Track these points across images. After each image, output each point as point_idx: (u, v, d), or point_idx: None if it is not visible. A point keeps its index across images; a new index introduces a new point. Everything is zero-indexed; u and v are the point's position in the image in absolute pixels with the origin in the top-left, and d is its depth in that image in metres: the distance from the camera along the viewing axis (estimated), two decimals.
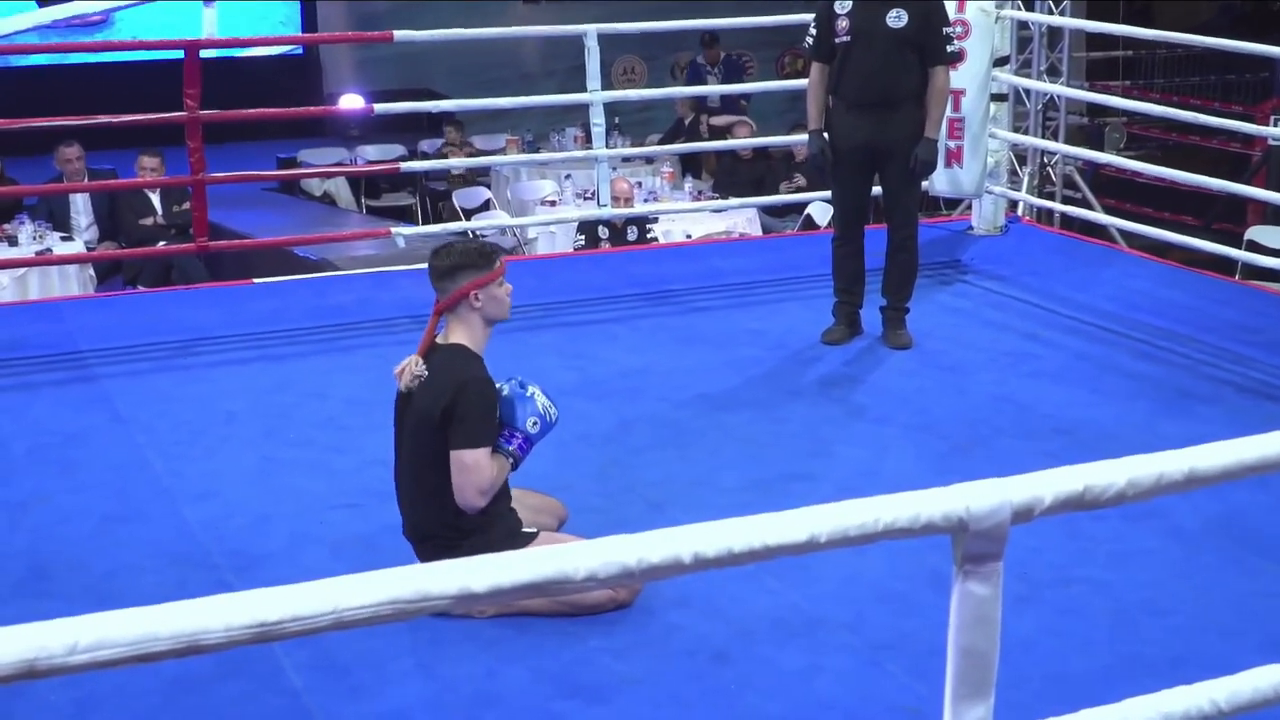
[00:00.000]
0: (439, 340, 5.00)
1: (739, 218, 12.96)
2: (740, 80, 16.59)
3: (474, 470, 4.74)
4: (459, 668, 4.48)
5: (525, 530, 4.89)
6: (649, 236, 11.62)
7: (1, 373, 7.43)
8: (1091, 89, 14.73)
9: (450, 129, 16.04)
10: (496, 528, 4.82)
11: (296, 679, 4.40)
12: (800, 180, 13.61)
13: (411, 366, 4.93)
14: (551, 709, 4.25)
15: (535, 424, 4.96)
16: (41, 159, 12.02)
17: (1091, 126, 15.70)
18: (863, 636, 4.67)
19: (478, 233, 12.78)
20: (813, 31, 7.78)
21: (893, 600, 4.90)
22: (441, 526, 4.83)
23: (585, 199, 13.12)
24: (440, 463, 4.78)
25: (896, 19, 7.54)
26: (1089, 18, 12.95)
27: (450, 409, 4.75)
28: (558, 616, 4.72)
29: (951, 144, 9.73)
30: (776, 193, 13.00)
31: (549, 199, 13.81)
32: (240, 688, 4.34)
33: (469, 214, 14.21)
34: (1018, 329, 8.14)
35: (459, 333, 4.96)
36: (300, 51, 20.16)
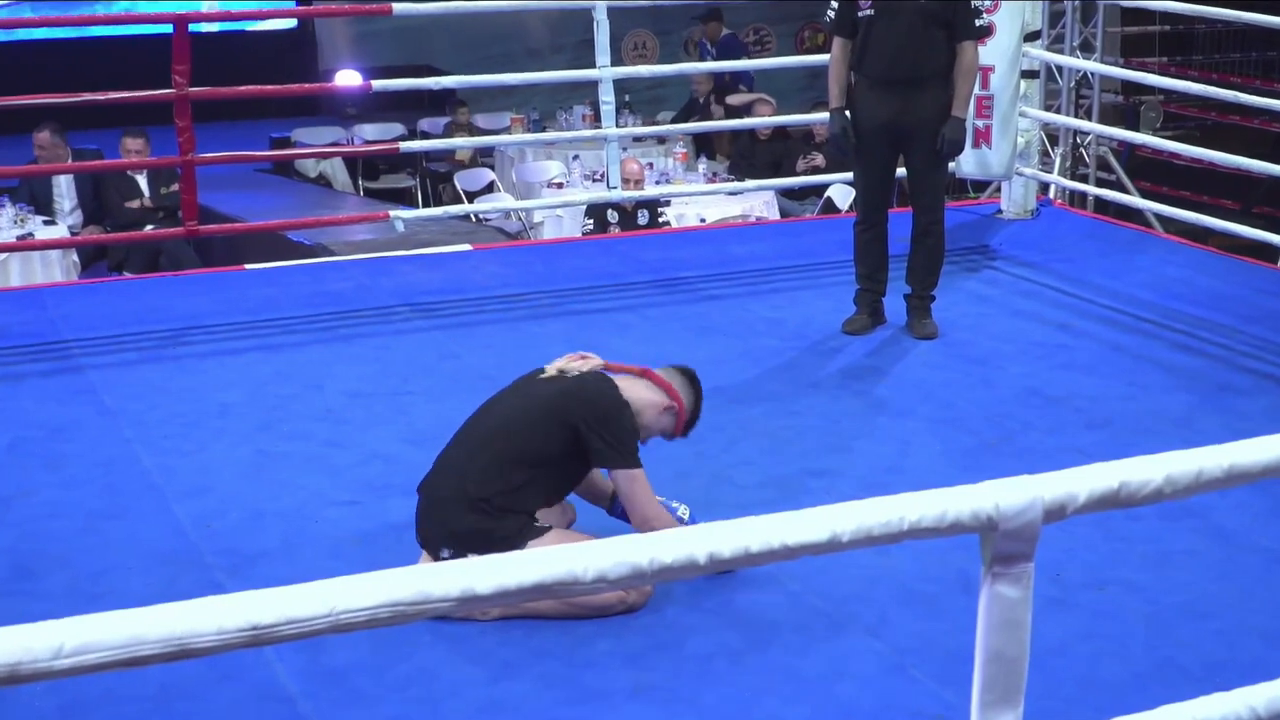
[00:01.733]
0: (616, 369, 5.25)
1: (756, 201, 12.96)
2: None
3: (637, 486, 4.92)
4: (462, 673, 4.48)
5: (538, 525, 4.90)
6: (661, 220, 11.63)
7: None
8: (1127, 65, 14.70)
9: (460, 109, 16.05)
10: (507, 519, 4.83)
11: (292, 685, 4.40)
12: (818, 159, 13.59)
13: (594, 362, 5.22)
14: (560, 716, 4.25)
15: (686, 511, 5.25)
16: (22, 139, 12.01)
17: (1127, 105, 15.70)
18: (887, 640, 4.67)
19: (481, 216, 12.80)
20: (834, 5, 7.76)
21: (918, 602, 4.90)
22: (463, 496, 4.86)
23: (594, 181, 13.11)
24: (534, 451, 4.92)
25: None
26: None
27: (592, 420, 4.91)
28: (565, 619, 4.72)
29: (980, 123, 9.73)
30: (795, 174, 12.99)
31: (556, 181, 13.81)
32: (233, 693, 4.34)
33: (471, 196, 14.23)
34: (1049, 318, 8.13)
35: (636, 393, 5.13)
36: (294, 25, 20.16)
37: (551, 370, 5.16)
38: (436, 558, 4.86)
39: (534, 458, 4.90)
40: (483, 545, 4.67)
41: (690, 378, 5.29)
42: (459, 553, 4.73)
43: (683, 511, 5.18)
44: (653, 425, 5.15)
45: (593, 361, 5.20)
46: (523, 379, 5.23)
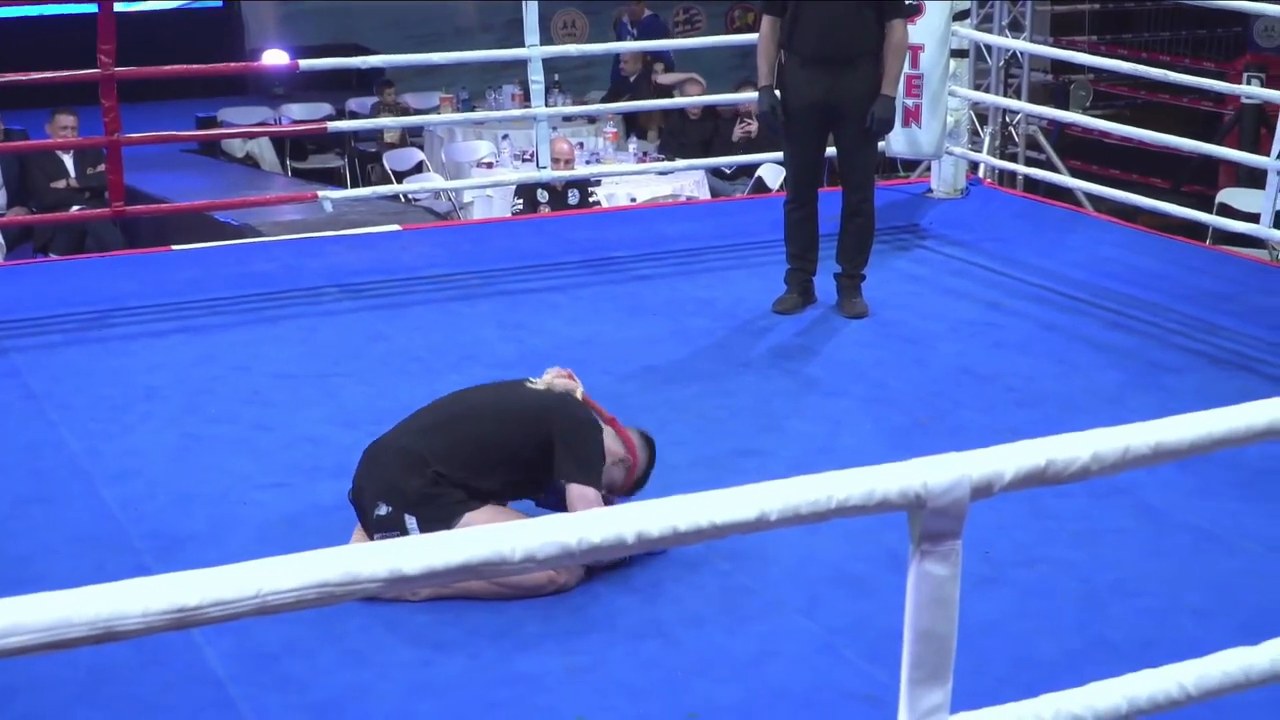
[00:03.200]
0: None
1: (686, 180, 12.98)
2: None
3: (593, 504, 4.87)
4: (393, 655, 4.48)
5: (474, 502, 4.91)
6: (591, 200, 11.62)
7: None
8: (1056, 44, 14.79)
9: (387, 90, 16.00)
10: (457, 494, 4.85)
11: (220, 668, 4.39)
12: (751, 125, 13.57)
13: (578, 386, 5.24)
14: (492, 698, 4.26)
15: None
16: None
17: (1056, 84, 15.78)
18: (817, 620, 4.69)
19: (410, 197, 12.77)
20: None
21: (849, 582, 4.92)
22: (410, 457, 4.88)
23: (523, 161, 13.12)
24: (498, 440, 4.97)
25: None
26: None
27: (569, 433, 4.99)
28: (495, 599, 4.72)
29: (909, 102, 9.75)
30: (725, 154, 12.99)
31: (485, 161, 13.80)
32: (161, 677, 4.33)
33: (400, 177, 14.19)
34: (979, 297, 8.17)
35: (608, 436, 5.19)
36: (220, 4, 20.05)
37: (541, 384, 5.19)
38: (370, 515, 4.85)
39: (502, 451, 4.95)
40: (420, 508, 4.76)
41: (649, 442, 5.36)
42: (395, 510, 4.79)
43: None
44: (604, 473, 5.16)
45: (577, 384, 5.24)
46: (509, 381, 5.31)
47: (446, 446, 4.90)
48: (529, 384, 5.20)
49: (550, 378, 5.22)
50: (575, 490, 4.92)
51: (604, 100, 16.05)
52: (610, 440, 5.17)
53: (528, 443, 4.97)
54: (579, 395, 5.19)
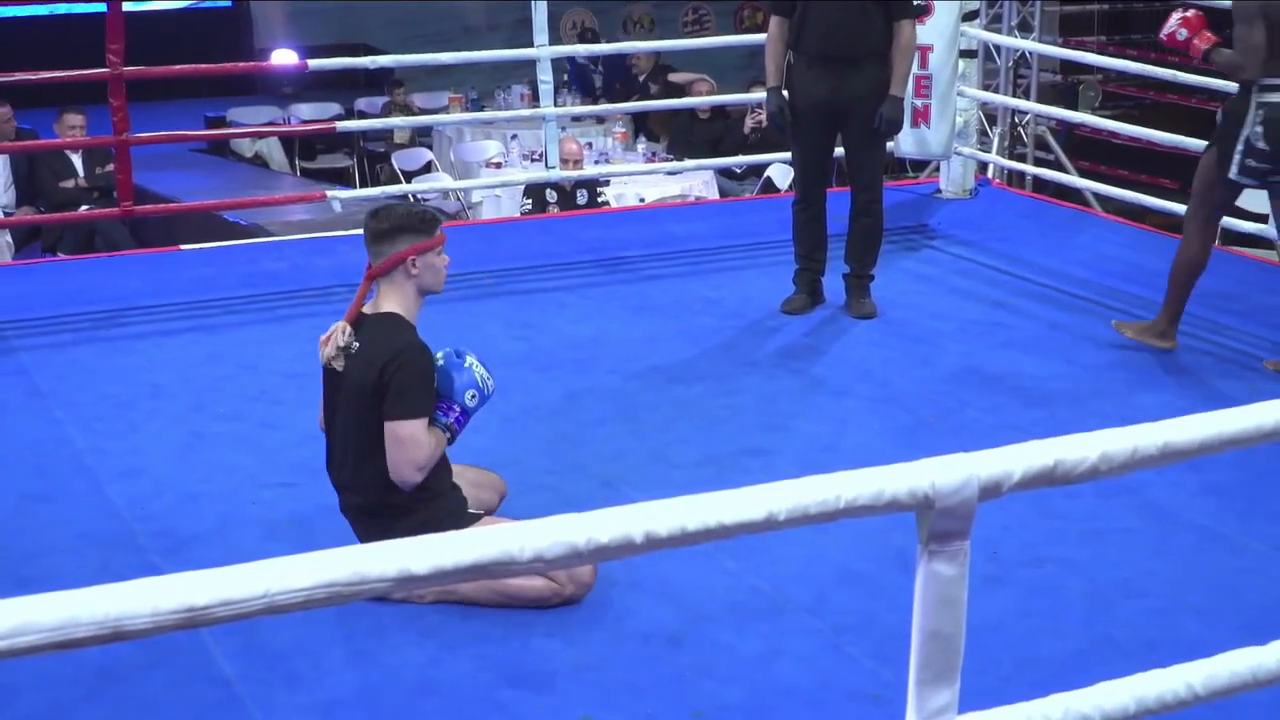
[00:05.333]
0: (368, 310, 4.93)
1: (695, 180, 12.96)
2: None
3: (409, 443, 4.71)
4: (399, 655, 4.48)
5: (471, 511, 4.88)
6: (600, 200, 11.61)
7: None
8: (1065, 45, 14.77)
9: (397, 89, 16.01)
10: (436, 505, 4.80)
11: (228, 667, 4.39)
12: (762, 115, 13.52)
13: (339, 335, 4.86)
14: (497, 698, 4.26)
15: (474, 396, 4.92)
16: None
17: (1065, 84, 15.77)
18: (824, 619, 4.69)
19: (419, 196, 12.76)
20: None
21: (856, 581, 4.92)
22: (380, 504, 4.80)
23: (532, 160, 13.11)
24: (377, 436, 4.75)
25: None
26: None
27: (385, 379, 4.71)
28: (501, 609, 4.71)
29: (918, 102, 9.75)
30: (734, 154, 12.97)
31: (494, 161, 13.79)
32: (168, 676, 4.33)
33: (409, 176, 14.18)
34: (987, 297, 8.17)
35: (391, 300, 4.90)
36: (230, 4, 20.05)
37: (331, 359, 4.89)
38: None
39: (383, 450, 4.76)
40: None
41: (376, 230, 4.90)
42: None
43: (470, 364, 4.98)
44: (428, 282, 4.95)
45: (337, 327, 4.89)
46: (329, 384, 4.98)
47: (370, 482, 4.80)
48: (336, 372, 4.88)
49: (331, 349, 4.87)
50: (391, 429, 4.70)
51: (610, 100, 16.05)
52: (394, 282, 4.88)
53: (375, 429, 4.76)
54: (344, 329, 4.86)
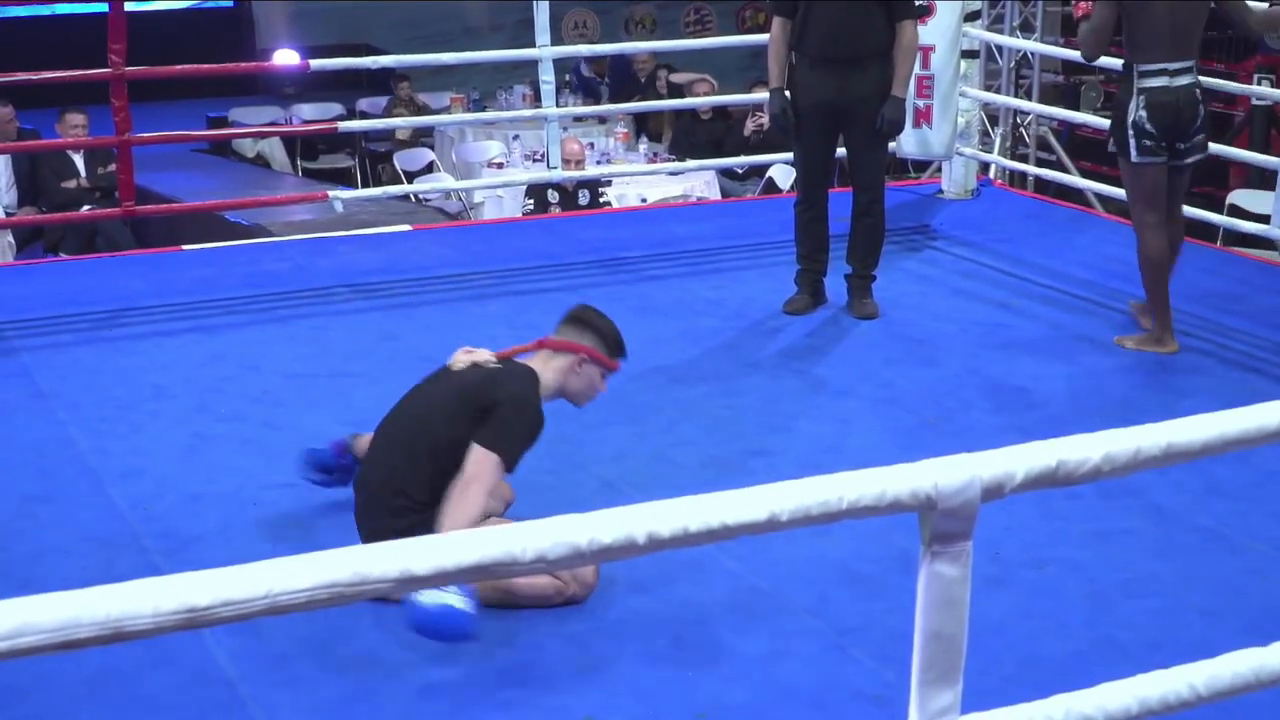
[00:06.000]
0: (519, 359, 5.10)
1: (696, 180, 12.96)
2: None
3: (485, 469, 4.74)
4: (402, 656, 4.47)
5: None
6: (602, 200, 11.61)
7: None
8: (1067, 45, 14.75)
9: (402, 84, 16.01)
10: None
11: (230, 668, 4.39)
12: (763, 118, 13.54)
13: (482, 356, 5.03)
14: (501, 698, 4.25)
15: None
16: None
17: (1067, 85, 15.73)
18: (827, 620, 4.69)
19: (421, 196, 12.77)
20: None
21: (858, 582, 4.91)
22: (409, 493, 4.81)
23: (534, 161, 13.10)
24: (447, 440, 4.80)
25: None
26: None
27: (496, 405, 4.80)
28: (504, 607, 4.71)
29: (920, 103, 9.75)
30: (736, 154, 12.97)
31: (496, 161, 13.79)
32: (171, 677, 4.33)
33: (411, 177, 14.19)
34: (989, 297, 8.17)
35: (540, 368, 5.03)
36: (231, 4, 20.05)
37: (460, 364, 5.04)
38: None
39: (458, 448, 4.79)
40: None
41: (579, 317, 5.18)
42: None
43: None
44: (581, 387, 5.09)
45: (482, 353, 5.07)
46: (432, 375, 5.14)
47: (408, 466, 4.83)
48: (452, 370, 5.04)
49: (464, 356, 5.05)
50: (478, 451, 4.74)
51: (613, 100, 16.05)
52: (553, 361, 5.04)
53: (452, 432, 4.82)
54: (491, 358, 5.03)
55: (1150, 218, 7.19)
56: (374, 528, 4.81)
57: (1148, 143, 6.95)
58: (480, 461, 4.74)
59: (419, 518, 4.72)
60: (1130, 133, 6.96)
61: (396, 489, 4.82)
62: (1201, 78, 7.10)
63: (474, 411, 4.80)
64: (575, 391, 5.08)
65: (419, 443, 4.85)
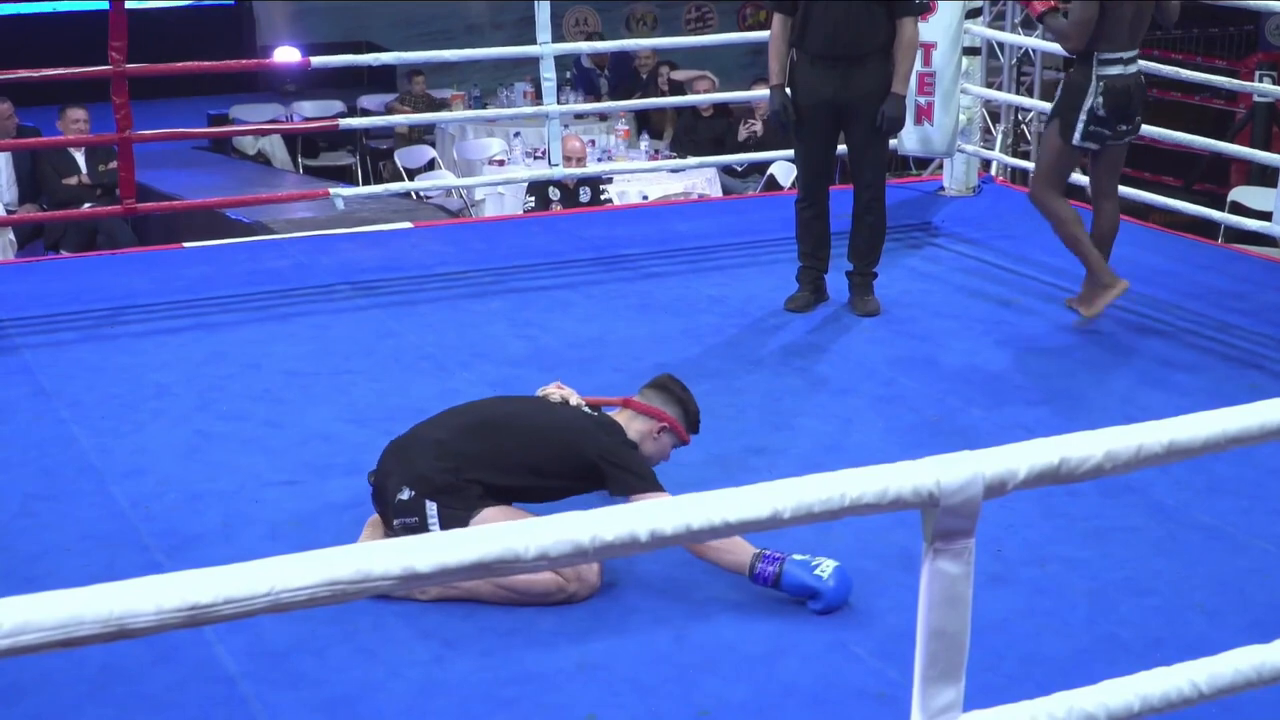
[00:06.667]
0: (606, 409, 5.27)
1: (698, 178, 12.96)
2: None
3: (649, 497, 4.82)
4: (404, 652, 4.48)
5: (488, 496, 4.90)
6: (603, 198, 11.61)
7: None
8: None
9: (416, 78, 16.04)
10: (475, 488, 4.83)
11: (232, 665, 4.39)
12: (757, 125, 13.57)
13: (575, 399, 5.26)
14: (503, 695, 4.25)
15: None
16: None
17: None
18: (829, 618, 4.68)
19: (422, 194, 12.77)
20: None
21: (860, 580, 4.90)
22: (467, 473, 4.84)
23: (535, 158, 13.10)
24: (545, 457, 4.94)
25: None
26: None
27: (611, 455, 4.94)
28: (505, 605, 4.72)
29: (921, 100, 9.75)
30: (737, 151, 12.97)
31: (497, 158, 13.79)
32: (173, 675, 4.33)
33: (412, 174, 14.19)
34: (991, 295, 8.17)
35: (624, 424, 5.16)
36: (232, 1, 20.05)
37: (555, 398, 5.26)
38: (391, 499, 4.83)
39: (529, 465, 4.92)
40: (443, 495, 4.75)
41: (666, 386, 5.33)
42: (417, 496, 4.78)
43: (822, 570, 4.77)
44: (654, 453, 5.20)
45: (574, 395, 5.28)
46: (532, 398, 5.31)
47: (478, 451, 4.88)
48: (547, 399, 5.23)
49: (554, 392, 5.27)
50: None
51: (614, 97, 16.06)
52: (635, 422, 5.18)
53: (554, 462, 4.94)
54: (578, 401, 5.23)
55: (1057, 188, 7.66)
56: (405, 468, 4.88)
57: (1094, 128, 7.34)
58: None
59: (459, 481, 4.80)
60: (1082, 118, 7.32)
61: (455, 454, 4.87)
62: (1204, 74, 7.16)
63: (562, 448, 4.97)
64: (647, 455, 5.17)
65: (512, 451, 4.94)
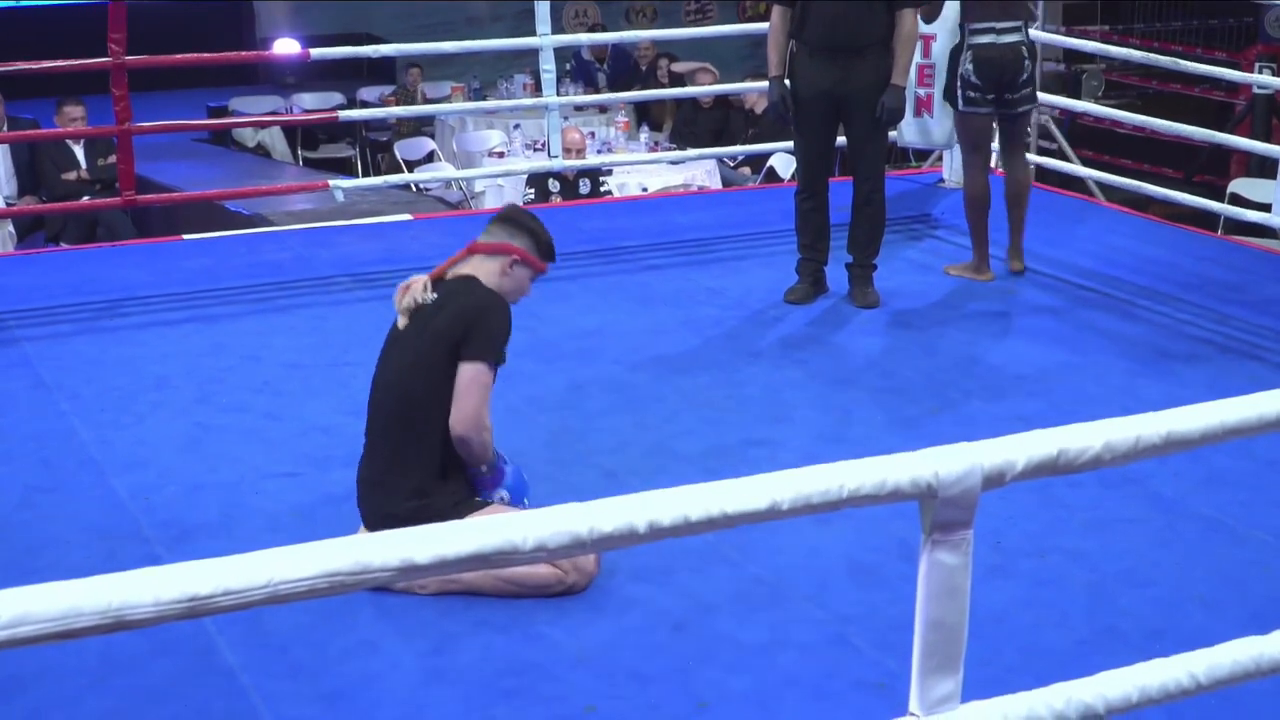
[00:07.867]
0: (450, 274, 5.03)
1: (697, 170, 12.95)
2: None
3: (476, 383, 4.76)
4: (404, 644, 4.48)
5: (476, 500, 4.87)
6: (602, 190, 11.62)
7: None
8: (1068, 34, 14.75)
9: (413, 69, 16.03)
10: (452, 493, 4.81)
11: (232, 657, 4.39)
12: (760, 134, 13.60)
13: (418, 288, 4.94)
14: (502, 687, 4.25)
15: (505, 498, 4.98)
16: None
17: (1068, 74, 15.75)
18: (828, 609, 4.69)
19: (422, 186, 12.77)
20: None
21: (859, 571, 4.91)
22: (411, 477, 4.80)
23: (535, 150, 13.11)
24: (440, 395, 4.78)
25: None
26: None
27: (474, 324, 4.79)
28: (503, 597, 4.71)
29: (921, 92, 9.75)
30: (736, 143, 12.98)
31: (497, 150, 13.78)
32: (172, 666, 4.33)
33: (412, 166, 14.17)
34: (990, 286, 8.16)
35: (477, 272, 4.99)
36: None
37: (404, 318, 4.97)
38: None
39: (443, 400, 4.79)
40: (419, 523, 4.65)
41: (511, 218, 5.14)
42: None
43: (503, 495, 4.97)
44: (511, 289, 5.01)
45: (418, 281, 4.99)
46: (391, 340, 5.06)
47: (404, 459, 4.83)
48: (404, 330, 4.97)
49: (406, 301, 4.95)
50: (466, 368, 4.77)
51: (613, 89, 16.05)
52: (486, 264, 4.99)
53: (441, 399, 4.79)
54: (426, 283, 4.96)
55: (973, 158, 8.24)
56: (375, 514, 4.81)
57: (972, 94, 7.91)
58: (469, 375, 4.78)
59: (423, 502, 4.72)
60: (959, 84, 7.93)
61: (397, 474, 4.81)
62: (1204, 66, 7.16)
63: (447, 352, 4.80)
64: (505, 293, 4.99)
65: (411, 427, 4.84)
